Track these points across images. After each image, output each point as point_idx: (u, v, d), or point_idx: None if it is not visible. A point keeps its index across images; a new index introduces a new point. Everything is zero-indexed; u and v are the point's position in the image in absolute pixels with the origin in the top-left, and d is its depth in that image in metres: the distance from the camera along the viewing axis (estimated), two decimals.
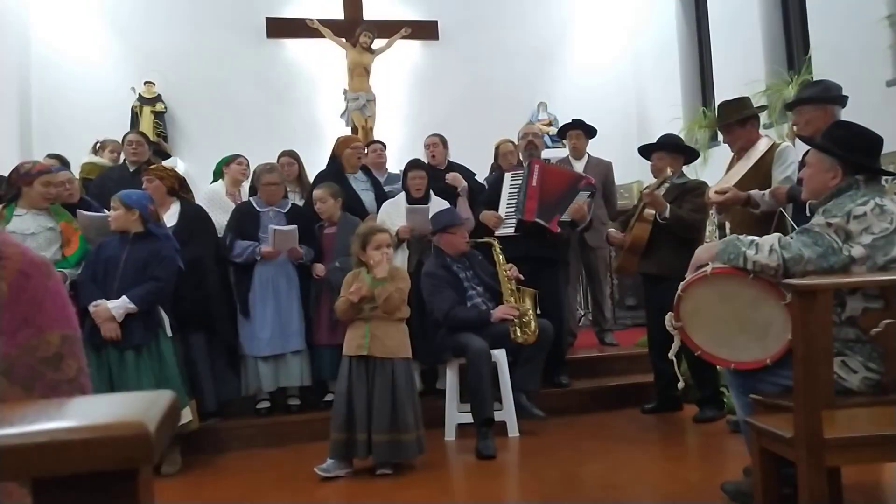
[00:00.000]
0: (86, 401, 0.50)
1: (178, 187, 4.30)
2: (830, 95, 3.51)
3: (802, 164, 3.47)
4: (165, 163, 5.65)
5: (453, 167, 5.35)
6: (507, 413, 4.12)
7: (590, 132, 5.52)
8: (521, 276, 4.22)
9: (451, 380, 4.19)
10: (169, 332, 3.77)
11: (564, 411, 4.50)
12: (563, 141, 5.73)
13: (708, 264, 2.44)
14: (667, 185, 4.17)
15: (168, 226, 4.11)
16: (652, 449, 3.85)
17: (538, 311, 4.33)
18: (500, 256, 4.29)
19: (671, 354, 2.67)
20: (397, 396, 3.51)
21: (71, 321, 0.68)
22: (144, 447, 0.40)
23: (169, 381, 3.62)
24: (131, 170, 5.09)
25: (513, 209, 4.58)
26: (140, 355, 3.60)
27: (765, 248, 2.33)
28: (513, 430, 4.11)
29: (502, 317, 4.07)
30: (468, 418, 4.02)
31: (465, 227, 4.45)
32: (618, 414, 4.52)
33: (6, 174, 4.98)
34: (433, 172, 4.99)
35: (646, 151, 4.49)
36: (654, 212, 4.17)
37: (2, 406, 0.56)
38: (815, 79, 4.92)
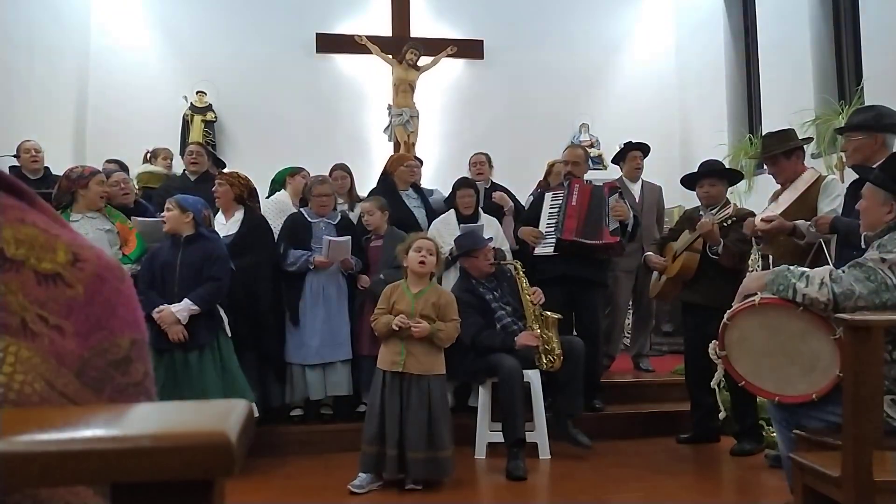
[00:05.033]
0: (163, 407, 0.51)
1: (247, 196, 4.39)
2: (882, 123, 3.39)
3: (849, 194, 3.40)
4: None
5: (496, 187, 5.37)
6: (538, 434, 4.08)
7: (646, 153, 5.49)
8: (543, 299, 4.17)
9: (483, 398, 4.17)
10: (228, 332, 3.85)
11: (597, 436, 4.42)
12: (620, 165, 5.63)
13: (756, 294, 2.40)
14: (730, 221, 4.01)
15: (230, 232, 4.21)
16: (686, 480, 3.76)
17: (573, 333, 4.27)
18: (524, 281, 4.22)
19: (714, 384, 2.62)
20: (433, 413, 3.51)
21: (140, 325, 0.69)
22: (227, 458, 0.41)
23: (234, 378, 3.70)
24: (192, 179, 5.21)
25: (552, 228, 4.55)
26: (203, 355, 3.67)
27: (815, 281, 2.28)
28: (544, 452, 4.07)
29: (525, 344, 4.03)
30: (499, 437, 3.99)
31: (490, 248, 4.41)
32: (652, 442, 4.44)
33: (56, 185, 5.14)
34: (478, 189, 5.00)
35: (690, 181, 4.41)
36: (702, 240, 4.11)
37: (80, 409, 0.57)
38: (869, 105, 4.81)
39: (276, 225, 4.60)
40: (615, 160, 5.68)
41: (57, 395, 0.59)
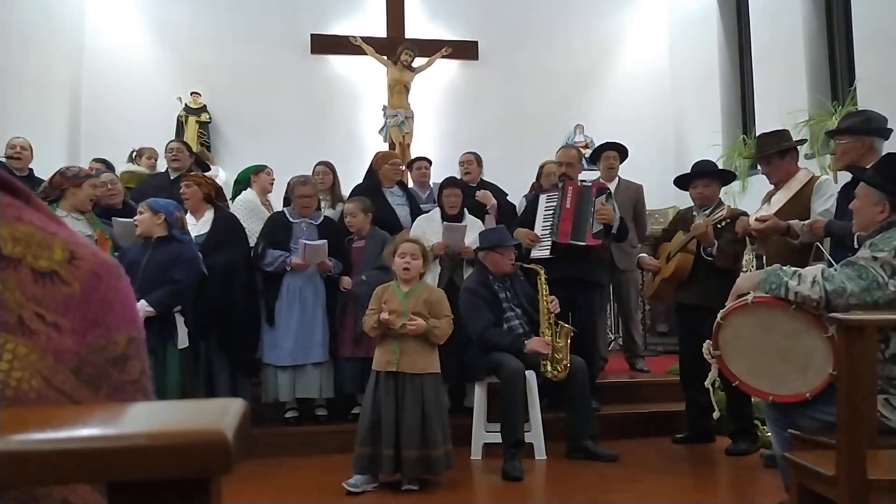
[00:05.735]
0: (159, 405, 0.51)
1: (215, 195, 4.40)
2: (870, 127, 3.43)
3: (842, 196, 3.43)
4: (207, 174, 5.75)
5: (485, 186, 5.37)
6: (534, 435, 4.08)
7: (624, 154, 5.49)
8: (559, 310, 4.18)
9: (479, 399, 4.17)
10: (181, 344, 3.73)
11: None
12: (596, 165, 5.65)
13: (749, 293, 2.41)
14: (724, 223, 4.02)
15: (201, 232, 4.19)
16: (682, 480, 3.77)
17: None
18: (545, 287, 4.23)
19: (707, 383, 2.63)
20: (426, 412, 3.51)
21: (136, 323, 0.69)
22: (223, 456, 0.41)
23: (167, 390, 3.56)
24: (172, 177, 5.17)
25: (547, 231, 4.55)
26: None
27: (808, 279, 2.29)
28: (540, 453, 4.07)
29: (536, 350, 4.04)
30: (495, 438, 3.99)
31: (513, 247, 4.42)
32: (647, 442, 4.44)
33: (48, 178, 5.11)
34: (465, 189, 5.00)
35: (683, 181, 4.42)
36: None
37: (77, 407, 0.57)
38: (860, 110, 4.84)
39: (246, 225, 4.58)
40: (591, 160, 5.69)
41: (54, 392, 0.59)
